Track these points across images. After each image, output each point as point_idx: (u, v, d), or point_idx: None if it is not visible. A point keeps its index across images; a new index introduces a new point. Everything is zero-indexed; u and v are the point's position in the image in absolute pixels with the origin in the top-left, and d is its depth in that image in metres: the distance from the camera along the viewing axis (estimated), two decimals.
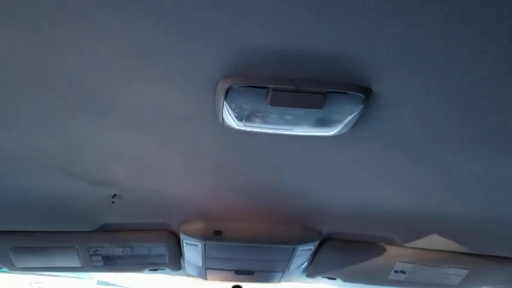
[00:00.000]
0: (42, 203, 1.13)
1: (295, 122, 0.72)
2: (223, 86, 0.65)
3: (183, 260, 1.47)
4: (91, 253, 1.35)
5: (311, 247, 1.32)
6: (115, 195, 1.10)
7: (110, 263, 1.40)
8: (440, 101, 0.67)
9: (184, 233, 1.27)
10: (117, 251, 1.36)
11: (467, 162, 0.85)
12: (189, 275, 1.62)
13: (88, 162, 0.93)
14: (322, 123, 0.72)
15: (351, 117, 0.69)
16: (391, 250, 1.34)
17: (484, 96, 0.65)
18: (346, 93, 0.64)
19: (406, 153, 0.83)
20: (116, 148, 0.87)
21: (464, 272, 1.38)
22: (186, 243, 1.32)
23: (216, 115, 0.73)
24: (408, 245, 1.33)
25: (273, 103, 0.66)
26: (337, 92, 0.64)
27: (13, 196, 1.09)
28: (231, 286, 1.70)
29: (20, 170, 0.96)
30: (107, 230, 1.29)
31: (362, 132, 0.76)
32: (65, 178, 0.99)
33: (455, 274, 1.39)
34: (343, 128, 0.72)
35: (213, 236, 1.25)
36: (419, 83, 0.63)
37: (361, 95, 0.65)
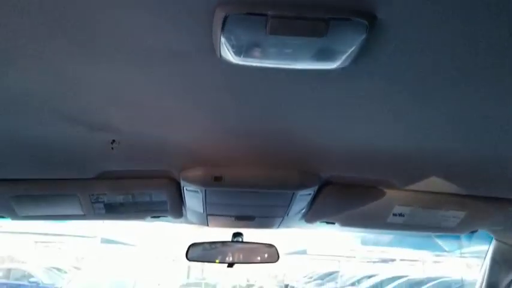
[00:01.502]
0: (42, 150, 1.13)
1: (295, 55, 0.70)
2: (219, 14, 0.62)
3: (184, 207, 1.48)
4: (93, 201, 1.36)
5: (310, 192, 1.33)
6: (114, 140, 1.10)
7: (112, 211, 1.42)
8: (449, 33, 0.65)
9: (185, 179, 1.28)
10: (119, 199, 1.37)
11: (472, 100, 0.84)
12: (190, 222, 1.65)
13: (85, 105, 0.92)
14: (323, 55, 0.70)
15: (353, 48, 0.67)
16: (390, 194, 1.35)
17: (497, 30, 0.63)
18: (349, 19, 0.62)
19: (409, 89, 0.82)
20: (111, 89, 0.86)
21: (462, 214, 1.40)
22: (186, 189, 1.33)
23: (213, 49, 0.71)
24: (407, 188, 1.34)
25: (273, 31, 0.64)
26: (339, 19, 0.62)
27: (11, 143, 1.09)
28: (231, 233, 1.73)
29: (17, 114, 0.96)
30: (107, 177, 1.30)
31: (364, 66, 0.74)
32: (63, 123, 0.99)
33: (453, 216, 1.41)
34: (344, 60, 0.71)
35: (213, 182, 1.25)
36: (428, 11, 0.61)
37: (365, 21, 0.63)
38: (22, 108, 0.93)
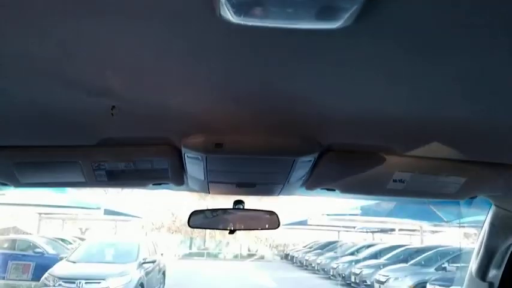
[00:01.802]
0: (42, 116, 1.13)
1: (296, 14, 0.69)
2: None
3: (186, 175, 1.49)
4: (94, 168, 1.37)
5: (311, 159, 1.34)
6: (114, 106, 1.10)
7: (114, 178, 1.43)
8: None
9: (186, 146, 1.28)
10: (120, 166, 1.38)
11: (476, 63, 0.83)
12: (191, 190, 1.66)
13: (84, 69, 0.92)
14: (325, 13, 0.69)
15: (356, 5, 0.66)
16: (391, 159, 1.36)
17: None
18: None
19: (412, 51, 0.81)
20: (109, 52, 0.85)
21: (462, 180, 1.41)
22: (187, 156, 1.33)
23: (213, 8, 0.70)
24: (408, 154, 1.34)
25: None
26: None
27: (12, 109, 1.08)
28: (232, 201, 1.74)
29: (16, 80, 0.95)
30: (108, 144, 1.30)
31: (367, 26, 0.73)
32: (62, 88, 0.98)
33: (453, 182, 1.42)
34: (347, 19, 0.69)
35: (214, 148, 1.25)
36: None
37: None
38: (20, 73, 0.92)
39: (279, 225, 1.68)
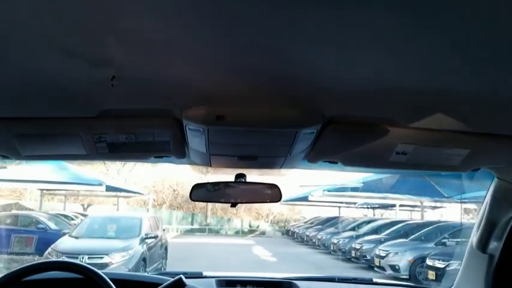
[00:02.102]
0: (42, 87, 1.11)
1: None
2: None
3: (187, 147, 1.48)
4: (95, 140, 1.36)
5: (313, 131, 1.33)
6: (114, 77, 1.08)
7: (115, 150, 1.42)
8: None
9: (187, 118, 1.27)
10: (121, 138, 1.37)
11: (482, 27, 0.81)
12: (193, 163, 1.66)
13: (83, 37, 0.90)
14: None
15: None
16: (394, 131, 1.34)
17: None
18: None
19: (417, 16, 0.79)
20: (108, 18, 0.83)
21: (465, 152, 1.40)
22: (189, 129, 1.32)
23: None
24: (411, 125, 1.33)
25: None
26: None
27: (11, 79, 1.07)
28: (234, 175, 1.74)
29: (14, 48, 0.93)
30: (109, 116, 1.29)
31: None
32: (61, 56, 0.96)
33: (456, 154, 1.41)
34: None
35: (215, 120, 1.24)
36: None
37: None
38: (18, 41, 0.90)
39: (280, 198, 1.68)
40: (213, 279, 1.94)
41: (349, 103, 1.22)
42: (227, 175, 1.75)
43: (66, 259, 8.05)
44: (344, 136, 1.38)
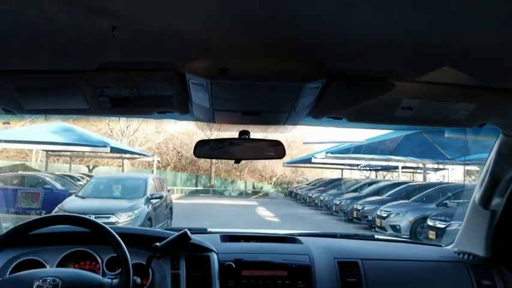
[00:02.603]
0: (42, 38, 1.09)
1: None
2: None
3: (190, 102, 1.47)
4: (97, 94, 1.35)
5: (318, 85, 1.31)
6: (114, 27, 1.05)
7: (118, 105, 1.41)
8: None
9: (190, 71, 1.25)
10: (124, 92, 1.36)
11: None
12: (197, 119, 1.65)
13: None
14: None
15: None
16: (400, 86, 1.32)
17: None
18: None
19: None
20: None
21: (471, 107, 1.38)
22: (192, 83, 1.31)
23: None
24: (417, 79, 1.30)
25: None
26: None
27: (10, 30, 1.05)
28: (238, 132, 1.73)
29: None
30: (110, 69, 1.27)
31: None
32: (59, 3, 0.94)
33: (462, 109, 1.39)
34: None
35: (218, 74, 1.22)
36: None
37: None
38: None
39: (284, 155, 1.68)
40: (217, 235, 1.97)
41: (355, 56, 1.20)
42: (231, 132, 1.74)
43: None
44: (349, 91, 1.36)
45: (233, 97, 1.41)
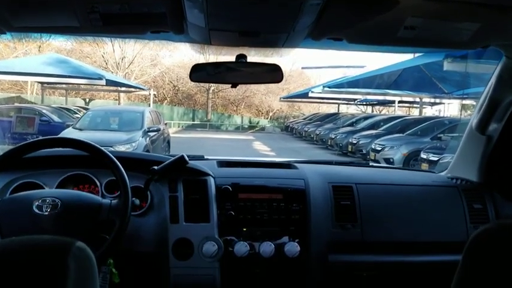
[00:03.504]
0: None
1: None
2: None
3: (186, 22, 1.42)
4: (88, 10, 1.29)
5: (319, 1, 1.25)
6: None
7: (109, 22, 1.35)
8: None
9: None
10: (115, 8, 1.29)
11: None
12: (192, 40, 1.60)
13: None
14: None
15: None
16: (404, 3, 1.26)
17: None
18: None
19: None
20: None
21: (475, 26, 1.33)
22: None
23: None
24: None
25: None
26: None
27: None
28: (235, 56, 1.69)
29: None
30: None
31: None
32: None
33: (466, 29, 1.35)
34: None
35: None
36: None
37: None
38: None
39: (281, 79, 1.65)
40: (214, 161, 1.98)
41: None
42: (228, 56, 1.70)
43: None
44: (350, 8, 1.30)
45: (230, 15, 1.35)
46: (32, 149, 1.50)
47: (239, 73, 1.67)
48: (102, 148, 1.56)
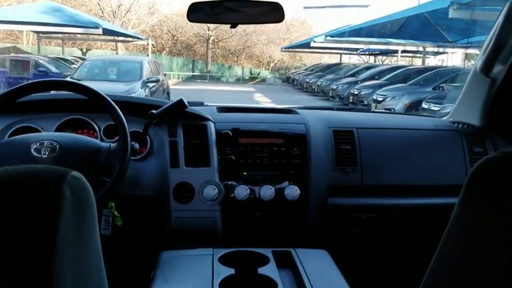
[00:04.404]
0: None
1: None
2: None
3: None
4: None
5: None
6: None
7: None
8: None
9: None
10: None
11: None
12: None
13: None
14: None
15: None
16: None
17: None
18: None
19: None
20: None
21: None
22: None
23: None
24: None
25: None
26: None
27: None
28: None
29: None
30: None
31: None
32: None
33: None
34: None
35: None
36: None
37: None
38: None
39: (283, 19, 1.59)
40: (214, 107, 1.96)
41: None
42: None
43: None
44: None
45: None
46: (27, 91, 1.47)
47: (239, 13, 1.61)
48: (101, 91, 1.53)
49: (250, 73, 29.67)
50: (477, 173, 0.60)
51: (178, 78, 24.92)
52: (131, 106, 1.72)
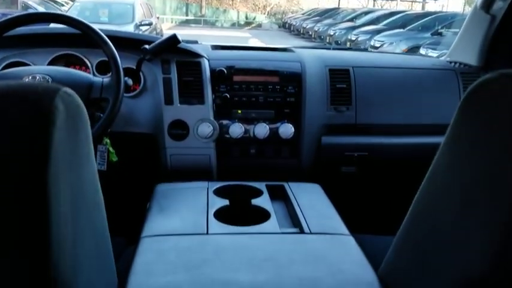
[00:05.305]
0: None
1: None
2: None
3: None
4: None
5: None
6: None
7: None
8: None
9: None
10: None
11: None
12: None
13: None
14: None
15: None
16: None
17: None
18: None
19: None
20: None
21: None
22: None
23: None
24: None
25: None
26: None
27: None
28: None
29: None
30: None
31: None
32: None
33: None
34: None
35: None
36: None
37: None
38: None
39: None
40: (208, 45, 1.92)
41: None
42: None
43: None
44: None
45: None
46: (13, 24, 1.42)
47: None
48: (91, 24, 1.49)
49: (246, 18, 28.93)
50: (472, 93, 0.60)
51: (172, 22, 24.28)
52: (123, 41, 1.68)
